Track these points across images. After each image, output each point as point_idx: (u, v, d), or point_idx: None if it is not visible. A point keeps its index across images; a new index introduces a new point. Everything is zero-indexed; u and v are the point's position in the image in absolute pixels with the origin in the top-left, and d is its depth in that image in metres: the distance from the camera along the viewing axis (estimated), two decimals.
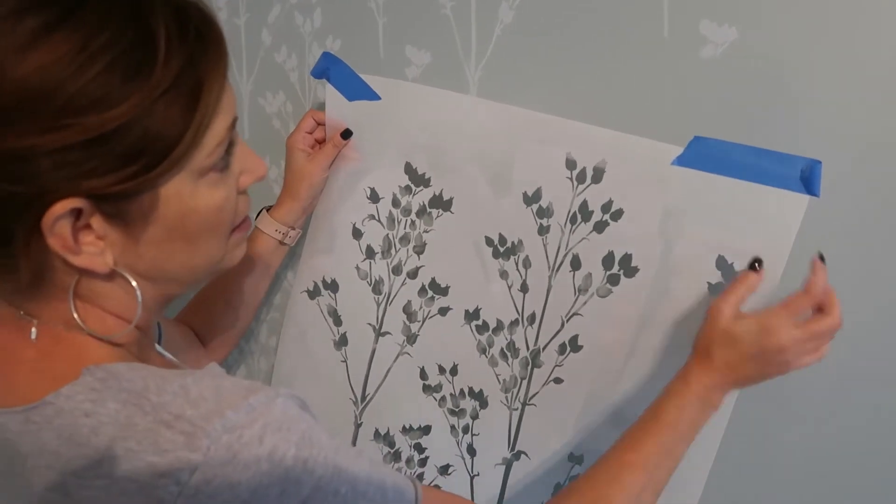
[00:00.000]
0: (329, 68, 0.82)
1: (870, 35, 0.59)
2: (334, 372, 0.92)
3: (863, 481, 0.68)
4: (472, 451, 0.87)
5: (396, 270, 0.87)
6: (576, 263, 0.76)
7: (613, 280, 0.74)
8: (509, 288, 0.80)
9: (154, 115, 0.46)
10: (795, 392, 0.69)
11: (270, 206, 0.86)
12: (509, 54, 0.76)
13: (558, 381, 0.79)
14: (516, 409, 0.83)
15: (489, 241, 0.80)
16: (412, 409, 0.89)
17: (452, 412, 0.87)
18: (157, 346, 0.66)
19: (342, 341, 0.91)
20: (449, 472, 0.88)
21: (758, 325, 0.60)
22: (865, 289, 0.64)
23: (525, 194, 0.77)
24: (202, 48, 0.49)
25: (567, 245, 0.76)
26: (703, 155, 0.66)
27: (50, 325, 0.52)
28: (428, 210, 0.83)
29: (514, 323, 0.81)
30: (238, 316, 0.88)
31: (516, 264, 0.79)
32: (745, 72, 0.64)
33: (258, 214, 0.86)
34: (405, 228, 0.85)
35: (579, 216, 0.74)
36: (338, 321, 0.91)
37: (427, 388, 0.87)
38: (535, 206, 0.77)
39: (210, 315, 0.87)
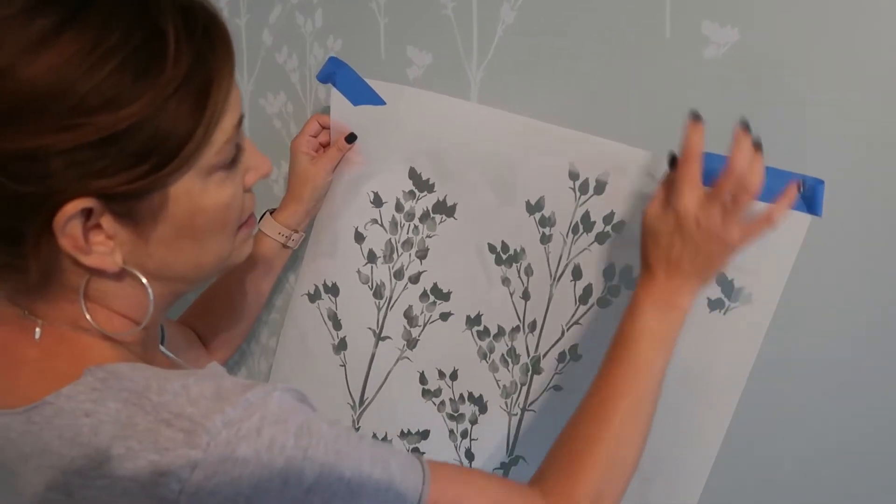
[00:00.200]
0: (335, 72, 0.81)
1: (870, 35, 0.59)
2: (332, 376, 0.92)
3: (863, 481, 0.68)
4: (470, 455, 0.87)
5: (398, 275, 0.87)
6: (577, 273, 0.76)
7: (614, 291, 0.74)
8: (511, 295, 0.81)
9: (165, 114, 0.46)
10: (795, 392, 0.69)
11: (274, 209, 0.86)
12: (511, 55, 0.76)
13: (558, 388, 0.80)
14: (516, 415, 0.83)
15: (492, 248, 0.81)
16: (411, 414, 0.89)
17: (451, 417, 0.87)
18: (160, 346, 0.66)
19: (341, 345, 0.91)
20: None
21: (672, 210, 0.59)
22: (865, 289, 0.64)
23: (528, 203, 0.77)
24: (210, 46, 0.49)
25: (569, 255, 0.76)
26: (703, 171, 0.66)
27: (55, 326, 0.52)
28: (431, 215, 0.84)
29: (516, 329, 0.81)
30: (240, 318, 0.88)
31: (518, 272, 0.80)
32: (745, 72, 0.64)
33: (261, 217, 0.86)
34: (408, 233, 0.86)
35: (581, 226, 0.75)
36: (337, 325, 0.91)
37: (426, 393, 0.88)
38: (537, 216, 0.77)
39: (213, 317, 0.87)
